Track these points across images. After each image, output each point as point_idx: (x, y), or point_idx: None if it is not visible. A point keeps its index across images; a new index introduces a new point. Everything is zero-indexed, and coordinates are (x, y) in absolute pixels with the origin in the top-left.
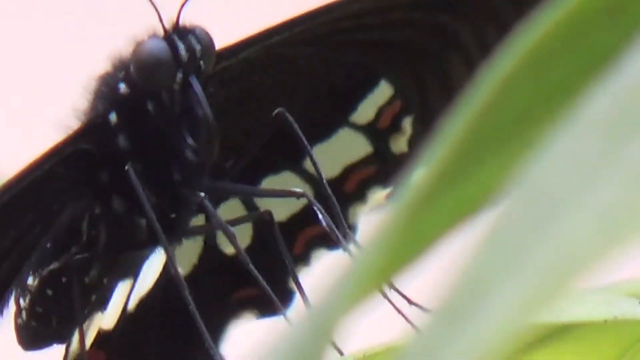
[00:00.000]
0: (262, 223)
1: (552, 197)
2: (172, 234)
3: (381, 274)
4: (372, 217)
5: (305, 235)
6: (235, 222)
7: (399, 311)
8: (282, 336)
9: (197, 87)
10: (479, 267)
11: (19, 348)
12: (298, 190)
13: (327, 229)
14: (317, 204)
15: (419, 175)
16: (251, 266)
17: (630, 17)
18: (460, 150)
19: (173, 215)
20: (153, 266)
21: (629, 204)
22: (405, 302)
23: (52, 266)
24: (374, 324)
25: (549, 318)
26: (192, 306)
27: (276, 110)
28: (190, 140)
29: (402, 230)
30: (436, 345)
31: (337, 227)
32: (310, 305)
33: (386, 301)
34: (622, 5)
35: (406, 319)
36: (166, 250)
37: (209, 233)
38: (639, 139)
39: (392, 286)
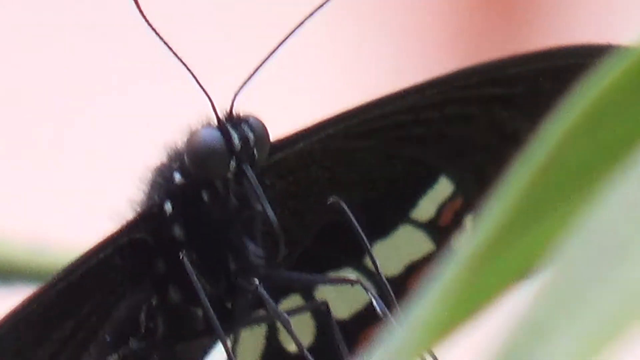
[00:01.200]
0: (324, 321)
1: (612, 244)
2: (229, 323)
3: (440, 331)
4: None
5: (368, 334)
6: (291, 312)
7: None
8: None
9: (251, 175)
10: (540, 313)
11: None
12: (352, 277)
13: (381, 314)
14: (371, 290)
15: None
16: (307, 354)
17: None
18: (518, 206)
19: (229, 305)
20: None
21: None
22: None
23: (111, 359)
24: None
25: None
26: None
27: (331, 199)
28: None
29: (462, 286)
30: None
31: (393, 316)
32: None
33: None
34: None
35: None
36: (222, 339)
37: (265, 322)
38: None
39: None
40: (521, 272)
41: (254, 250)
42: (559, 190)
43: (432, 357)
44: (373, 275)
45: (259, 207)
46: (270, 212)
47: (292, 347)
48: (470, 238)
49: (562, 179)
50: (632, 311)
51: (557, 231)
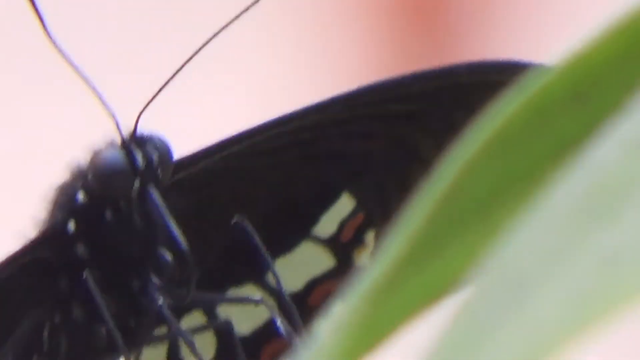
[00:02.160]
0: (225, 336)
1: (518, 281)
2: (133, 342)
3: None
4: None
5: (270, 350)
6: (195, 330)
7: None
8: None
9: (154, 195)
10: (446, 351)
11: None
12: (256, 297)
13: (286, 336)
14: (275, 310)
15: (380, 261)
16: None
17: (595, 104)
18: (422, 235)
19: (132, 323)
20: None
21: (593, 290)
22: None
23: None
24: None
25: None
26: None
27: (234, 219)
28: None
29: (365, 316)
30: None
31: (298, 336)
32: None
33: None
34: (586, 92)
35: None
36: (125, 357)
37: (169, 340)
38: (605, 227)
39: None
40: (426, 302)
41: (158, 269)
42: (464, 220)
43: None
44: (275, 291)
45: (163, 227)
46: (175, 232)
47: None
48: (371, 267)
49: (466, 209)
50: (536, 351)
51: (461, 262)
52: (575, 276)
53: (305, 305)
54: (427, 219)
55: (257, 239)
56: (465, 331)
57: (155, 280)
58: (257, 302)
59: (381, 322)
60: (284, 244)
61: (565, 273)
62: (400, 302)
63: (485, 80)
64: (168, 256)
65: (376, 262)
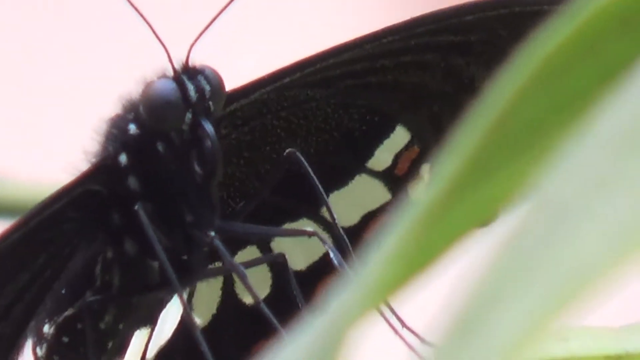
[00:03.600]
0: (281, 272)
1: (563, 210)
2: (185, 276)
3: (391, 286)
4: None
5: (325, 284)
6: (248, 264)
7: (410, 347)
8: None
9: (208, 127)
10: (490, 280)
11: None
12: (309, 229)
13: (338, 266)
14: (328, 242)
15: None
16: (263, 305)
17: None
18: (471, 161)
19: (185, 257)
20: (171, 315)
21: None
22: (405, 328)
23: (67, 312)
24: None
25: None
26: (205, 347)
27: (287, 151)
28: (197, 171)
29: (417, 237)
30: None
31: (350, 268)
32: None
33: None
34: (635, 17)
35: (408, 345)
36: (178, 293)
37: (222, 275)
38: None
39: (402, 322)
40: (474, 227)
41: (211, 203)
42: (512, 146)
43: (389, 309)
44: (330, 226)
45: (213, 155)
46: (220, 157)
47: (248, 299)
48: (425, 190)
49: (515, 135)
50: (580, 280)
51: (512, 187)
52: (618, 206)
53: (360, 239)
54: (478, 144)
55: (311, 172)
56: (510, 263)
57: (208, 213)
58: (310, 235)
59: (432, 245)
60: (338, 177)
61: (608, 203)
62: (450, 224)
63: (542, 10)
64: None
65: (429, 185)
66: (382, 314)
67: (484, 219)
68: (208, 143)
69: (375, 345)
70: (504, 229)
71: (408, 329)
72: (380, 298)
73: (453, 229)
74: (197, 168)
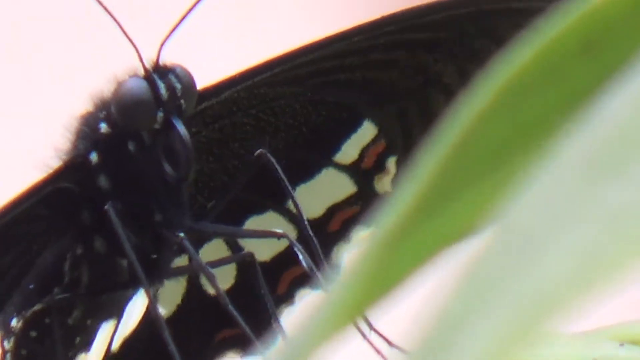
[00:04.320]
0: (246, 266)
1: (529, 235)
2: (154, 274)
3: (355, 308)
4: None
5: (289, 275)
6: (216, 263)
7: (377, 351)
8: None
9: (179, 126)
10: (454, 304)
11: None
12: (279, 231)
13: (307, 269)
14: (297, 245)
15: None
16: (230, 307)
17: (606, 54)
18: (435, 184)
19: (154, 256)
20: (137, 306)
21: (604, 246)
22: (384, 341)
23: (35, 307)
24: None
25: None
26: (172, 347)
27: (257, 151)
28: (168, 171)
29: (378, 263)
30: None
31: (318, 266)
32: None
33: (363, 340)
34: (598, 41)
35: (376, 349)
36: (147, 291)
37: (190, 274)
38: (616, 180)
39: (370, 325)
40: (438, 250)
41: (180, 201)
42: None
43: (366, 323)
44: (296, 218)
45: (184, 153)
46: (192, 154)
47: (212, 290)
48: (389, 209)
49: (479, 159)
50: (545, 307)
51: (477, 210)
52: (584, 232)
53: (325, 231)
54: (441, 167)
55: (279, 169)
56: (474, 287)
57: (177, 212)
58: (279, 236)
59: (394, 269)
60: (305, 170)
61: (574, 229)
62: (413, 249)
63: (508, 8)
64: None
65: (389, 209)
66: (356, 326)
67: (449, 242)
68: (180, 142)
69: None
70: (470, 252)
71: (376, 332)
72: (347, 319)
73: (417, 251)
74: (168, 168)
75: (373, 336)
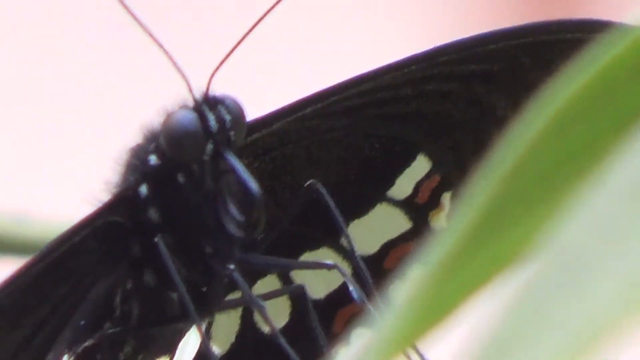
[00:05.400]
0: (299, 300)
1: (577, 261)
2: (204, 307)
3: (409, 337)
4: None
5: (344, 314)
6: (267, 296)
7: None
8: None
9: (230, 157)
10: (505, 329)
11: None
12: (329, 262)
13: (359, 301)
14: (348, 276)
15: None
16: (281, 340)
17: None
18: (489, 212)
19: (204, 289)
20: (190, 344)
21: None
22: None
23: (86, 343)
24: None
25: None
26: None
27: (308, 182)
28: (234, 213)
29: (432, 291)
30: None
31: (371, 301)
32: None
33: None
34: None
35: None
36: (197, 324)
37: (240, 307)
38: None
39: (419, 354)
40: (490, 278)
41: (231, 234)
42: (529, 197)
43: (417, 353)
44: (349, 255)
45: (244, 187)
46: (255, 188)
47: (267, 328)
48: (441, 239)
49: (531, 186)
50: (594, 332)
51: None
52: (631, 258)
53: (380, 268)
54: (493, 195)
55: (332, 202)
56: (525, 313)
57: (227, 245)
58: (329, 267)
59: (446, 299)
60: (358, 206)
61: (625, 253)
62: (465, 277)
63: (564, 39)
64: (241, 219)
65: (447, 233)
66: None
67: (502, 268)
68: (233, 172)
69: None
70: (520, 280)
71: None
72: (402, 345)
73: (471, 278)
74: (218, 199)
75: None
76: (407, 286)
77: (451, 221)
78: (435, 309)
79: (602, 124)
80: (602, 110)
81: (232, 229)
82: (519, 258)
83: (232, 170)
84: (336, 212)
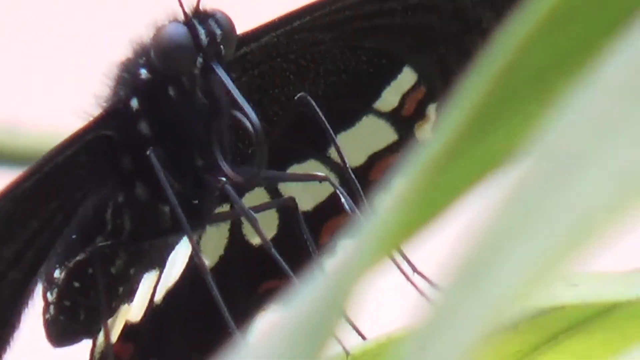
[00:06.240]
0: (288, 213)
1: (568, 157)
2: (196, 220)
3: (400, 234)
4: None
5: (331, 225)
6: (258, 208)
7: (412, 283)
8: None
9: (220, 72)
10: (497, 226)
11: (48, 346)
12: (320, 174)
13: (350, 212)
14: (340, 188)
15: (438, 137)
16: (273, 251)
17: None
18: (479, 110)
19: (196, 202)
20: (179, 257)
21: None
22: (416, 273)
23: (78, 257)
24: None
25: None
26: (216, 292)
27: (298, 95)
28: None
29: (422, 189)
30: (449, 312)
31: (360, 210)
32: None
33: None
34: None
35: (419, 290)
36: (189, 237)
37: (232, 219)
38: None
39: (405, 258)
40: (481, 175)
41: (222, 147)
42: (519, 94)
43: (401, 255)
44: (337, 167)
45: (233, 101)
46: (247, 106)
47: (255, 240)
48: (432, 138)
49: (522, 83)
50: (586, 226)
51: (518, 135)
52: (622, 155)
53: (366, 179)
54: (484, 93)
55: (321, 115)
56: (516, 210)
57: (218, 157)
58: (321, 179)
59: (440, 194)
60: (345, 118)
61: (612, 152)
62: (458, 173)
63: None
64: (231, 133)
65: (436, 134)
66: (393, 260)
67: (493, 167)
68: (222, 86)
69: (384, 289)
70: (512, 177)
71: (419, 273)
72: (391, 246)
73: (461, 177)
74: (207, 111)
75: (406, 268)
76: (394, 189)
77: (441, 121)
78: (424, 209)
79: (593, 23)
80: (594, 9)
81: (224, 143)
82: (511, 156)
83: (221, 83)
84: (326, 124)
